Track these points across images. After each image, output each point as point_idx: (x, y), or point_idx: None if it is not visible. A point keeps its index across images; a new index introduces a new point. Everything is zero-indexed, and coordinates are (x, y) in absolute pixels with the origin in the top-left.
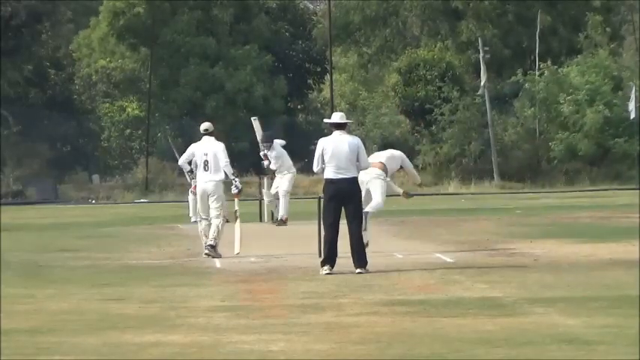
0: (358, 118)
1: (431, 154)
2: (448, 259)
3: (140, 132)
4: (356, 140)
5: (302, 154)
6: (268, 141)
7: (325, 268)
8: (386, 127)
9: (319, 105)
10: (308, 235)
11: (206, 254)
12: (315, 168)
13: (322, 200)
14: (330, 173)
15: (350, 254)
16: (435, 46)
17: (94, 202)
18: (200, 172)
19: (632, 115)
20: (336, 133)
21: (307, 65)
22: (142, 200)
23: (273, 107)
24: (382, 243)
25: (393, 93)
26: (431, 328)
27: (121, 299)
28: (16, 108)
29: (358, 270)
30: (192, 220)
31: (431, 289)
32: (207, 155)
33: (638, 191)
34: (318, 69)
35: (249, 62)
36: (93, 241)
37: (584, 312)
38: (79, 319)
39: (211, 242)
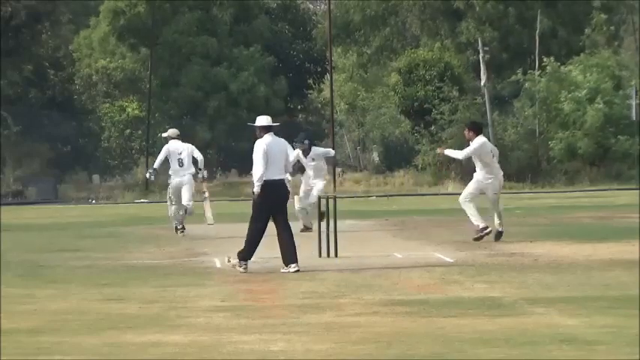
0: (358, 118)
1: (430, 154)
2: (448, 259)
3: (140, 132)
4: (285, 143)
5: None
6: (305, 142)
7: (244, 265)
8: (386, 127)
9: (319, 105)
10: (308, 235)
11: (182, 234)
12: (262, 170)
13: (256, 201)
14: (269, 175)
15: (282, 254)
16: (435, 46)
17: (94, 202)
18: (176, 168)
19: (633, 117)
20: (268, 136)
21: (307, 65)
22: (142, 200)
23: (273, 107)
24: (382, 243)
25: (392, 93)
26: (431, 328)
27: (121, 299)
28: (16, 108)
29: (294, 267)
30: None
31: (431, 289)
32: (182, 154)
33: (638, 191)
34: (318, 69)
35: (252, 63)
36: (93, 241)
37: (584, 312)
38: (79, 319)
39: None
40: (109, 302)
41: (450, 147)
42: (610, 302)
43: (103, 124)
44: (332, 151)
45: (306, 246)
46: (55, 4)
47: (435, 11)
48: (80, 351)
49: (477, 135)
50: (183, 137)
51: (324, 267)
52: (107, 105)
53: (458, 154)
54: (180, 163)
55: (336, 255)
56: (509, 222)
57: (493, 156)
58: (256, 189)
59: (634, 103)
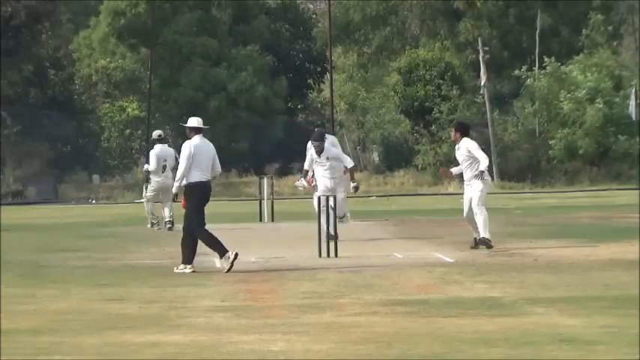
0: (358, 118)
1: (430, 153)
2: (448, 259)
3: (140, 132)
4: (212, 146)
5: (302, 154)
6: (319, 139)
7: (190, 267)
8: (386, 127)
9: (319, 105)
10: (308, 235)
11: (169, 228)
12: (184, 171)
13: (191, 203)
14: (198, 176)
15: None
16: (435, 46)
17: (94, 202)
18: (159, 173)
19: (633, 117)
20: (197, 137)
21: (307, 65)
22: (141, 200)
23: (273, 107)
24: (382, 243)
25: (393, 93)
26: (431, 328)
27: (121, 299)
28: (16, 108)
29: (190, 268)
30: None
31: (431, 289)
32: (167, 161)
33: (638, 191)
34: (318, 69)
35: (250, 63)
36: (93, 241)
37: (584, 312)
38: (79, 319)
39: (170, 219)
40: (109, 302)
41: (450, 147)
42: (610, 302)
43: (103, 124)
44: (349, 162)
45: (306, 246)
46: (55, 4)
47: (434, 11)
48: (80, 351)
49: (464, 136)
50: (183, 137)
51: (324, 267)
52: (107, 105)
53: (482, 165)
54: (164, 169)
55: (336, 255)
56: (509, 222)
57: None
58: (175, 190)
59: (632, 104)
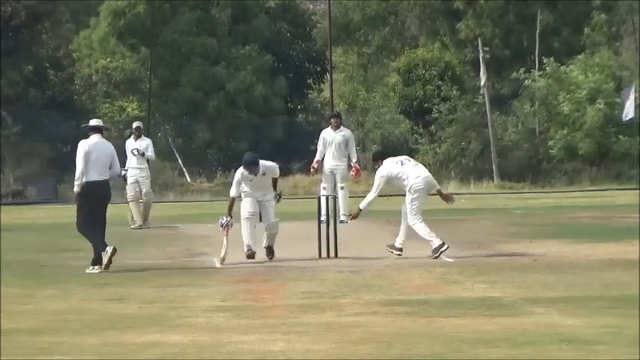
0: (358, 118)
1: (430, 153)
2: (448, 259)
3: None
4: (111, 146)
5: (302, 154)
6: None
7: (97, 267)
8: (386, 126)
9: (319, 105)
10: (308, 235)
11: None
12: (81, 170)
13: (81, 202)
14: (93, 175)
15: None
16: (434, 46)
17: None
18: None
19: (631, 115)
20: (95, 137)
21: (307, 65)
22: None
23: (273, 107)
24: (382, 243)
25: (392, 93)
26: (431, 328)
27: (121, 299)
28: (16, 108)
29: (97, 269)
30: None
31: (431, 289)
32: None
33: (638, 191)
34: (318, 69)
35: (249, 62)
36: None
37: (584, 312)
38: (79, 319)
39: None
40: (109, 302)
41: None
42: (610, 302)
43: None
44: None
45: (306, 246)
46: (55, 4)
47: (434, 11)
48: (80, 351)
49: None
50: (183, 137)
51: (324, 267)
52: (107, 105)
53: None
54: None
55: (336, 255)
56: (509, 222)
57: (402, 163)
58: (76, 188)
59: (627, 105)
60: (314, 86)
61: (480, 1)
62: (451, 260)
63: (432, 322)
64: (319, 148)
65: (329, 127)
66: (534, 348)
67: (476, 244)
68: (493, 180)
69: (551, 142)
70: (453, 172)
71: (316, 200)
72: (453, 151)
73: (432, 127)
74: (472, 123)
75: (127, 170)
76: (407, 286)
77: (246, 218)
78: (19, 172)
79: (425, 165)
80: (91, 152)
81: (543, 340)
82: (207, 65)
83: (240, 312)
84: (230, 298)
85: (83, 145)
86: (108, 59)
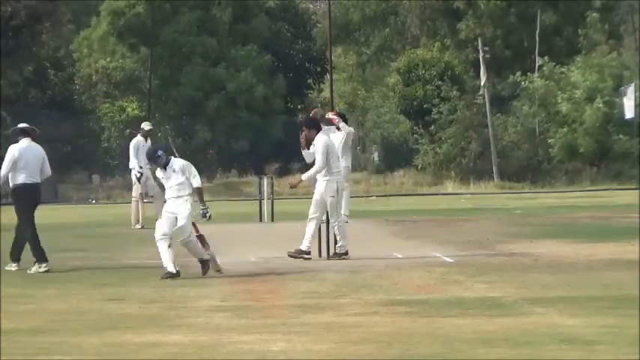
0: (358, 118)
1: (430, 153)
2: (448, 259)
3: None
4: (41, 149)
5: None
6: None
7: (44, 265)
8: (386, 126)
9: (319, 105)
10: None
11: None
12: (4, 173)
13: (22, 205)
14: (24, 178)
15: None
16: (434, 46)
17: (94, 202)
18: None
19: (631, 115)
20: (25, 141)
21: (307, 65)
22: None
23: (273, 107)
24: (382, 243)
25: (392, 93)
26: (431, 328)
27: (121, 299)
28: (16, 108)
29: (15, 266)
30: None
31: (431, 289)
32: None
33: (638, 191)
34: (318, 69)
35: (249, 62)
36: (93, 241)
37: (584, 312)
38: (79, 319)
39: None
40: (109, 302)
41: (450, 146)
42: (610, 302)
43: (103, 124)
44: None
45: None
46: (55, 4)
47: (434, 11)
48: (80, 351)
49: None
50: (183, 137)
51: (324, 267)
52: (107, 105)
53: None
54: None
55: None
56: (509, 222)
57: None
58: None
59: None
60: (314, 86)
61: (480, 1)
62: (451, 260)
63: (432, 322)
64: None
65: None
66: (534, 348)
67: (476, 244)
68: (493, 180)
69: (551, 141)
70: (453, 173)
71: None
72: (453, 151)
73: (432, 128)
74: (472, 123)
75: (142, 168)
76: (407, 286)
77: None
78: None
79: (425, 165)
80: (21, 156)
81: (543, 340)
82: (208, 65)
83: (240, 312)
84: (230, 298)
85: (12, 150)
86: (108, 59)
